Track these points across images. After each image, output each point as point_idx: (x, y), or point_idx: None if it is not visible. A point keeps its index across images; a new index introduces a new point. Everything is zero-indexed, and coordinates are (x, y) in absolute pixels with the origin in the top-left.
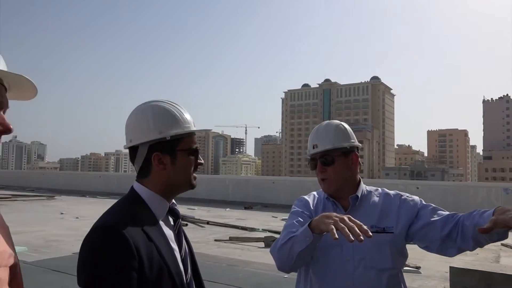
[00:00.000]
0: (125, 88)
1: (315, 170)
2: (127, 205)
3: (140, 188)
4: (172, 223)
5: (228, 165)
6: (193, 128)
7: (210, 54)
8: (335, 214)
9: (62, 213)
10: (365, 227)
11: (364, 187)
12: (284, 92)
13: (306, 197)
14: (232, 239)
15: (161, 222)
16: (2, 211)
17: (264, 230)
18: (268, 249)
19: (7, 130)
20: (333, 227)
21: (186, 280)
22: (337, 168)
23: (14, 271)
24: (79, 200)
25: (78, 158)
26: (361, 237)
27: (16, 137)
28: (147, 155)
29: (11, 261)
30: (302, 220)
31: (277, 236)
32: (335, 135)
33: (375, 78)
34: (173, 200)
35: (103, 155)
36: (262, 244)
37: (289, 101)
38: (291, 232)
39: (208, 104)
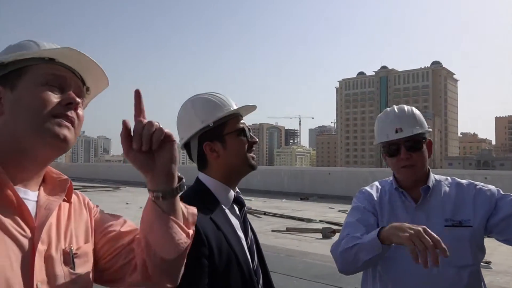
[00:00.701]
0: (184, 84)
1: (392, 157)
2: (194, 195)
3: (205, 178)
4: (237, 211)
5: (283, 157)
6: (234, 107)
7: (264, 46)
8: (407, 225)
9: (127, 203)
10: (442, 244)
11: (433, 176)
12: (338, 81)
13: (368, 188)
14: (289, 230)
15: (227, 211)
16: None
17: (321, 221)
18: (326, 240)
19: (73, 101)
20: (412, 245)
21: (253, 267)
22: (423, 154)
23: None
24: (142, 191)
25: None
26: (438, 263)
27: (84, 132)
28: (199, 146)
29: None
30: (365, 218)
31: (334, 227)
32: (419, 119)
33: (436, 63)
34: (238, 189)
35: None
36: (319, 235)
37: (344, 90)
38: (355, 238)
39: (262, 95)
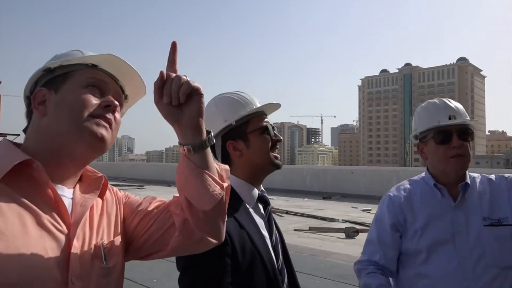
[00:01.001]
0: (206, 83)
1: (442, 144)
2: None
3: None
4: (262, 210)
5: (304, 155)
6: (258, 105)
7: (286, 44)
8: None
9: None
10: None
11: (468, 173)
12: (361, 79)
13: (395, 192)
14: (311, 229)
15: (251, 210)
16: None
17: (344, 221)
18: (349, 240)
19: (111, 103)
20: None
21: (278, 267)
22: (470, 146)
23: None
24: (165, 190)
25: (163, 150)
26: None
27: None
28: (222, 145)
29: None
30: (383, 238)
31: (358, 227)
32: (466, 112)
33: (462, 60)
34: (262, 188)
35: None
36: (342, 235)
37: (367, 88)
38: (366, 271)
39: (283, 94)
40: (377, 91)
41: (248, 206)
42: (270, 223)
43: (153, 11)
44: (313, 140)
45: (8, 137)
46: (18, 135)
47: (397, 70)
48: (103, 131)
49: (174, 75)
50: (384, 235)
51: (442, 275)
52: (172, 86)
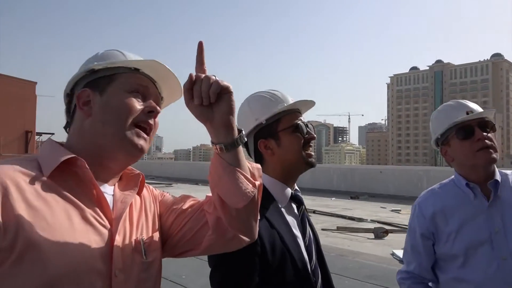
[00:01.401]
0: (238, 83)
1: (466, 139)
2: None
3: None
4: (295, 210)
5: (331, 155)
6: (289, 103)
7: (313, 42)
8: None
9: None
10: None
11: (497, 170)
12: (390, 76)
13: (424, 198)
14: (339, 229)
15: (283, 209)
16: None
17: (373, 221)
18: (378, 241)
19: (154, 109)
20: None
21: (311, 267)
22: (495, 137)
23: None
24: (193, 188)
25: (190, 149)
26: None
27: None
28: (255, 145)
29: None
30: (416, 247)
31: (387, 227)
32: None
33: (496, 55)
34: (296, 187)
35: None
36: (371, 235)
37: (396, 86)
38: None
39: (310, 92)
40: (407, 89)
41: (280, 205)
42: (303, 223)
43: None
44: (340, 139)
45: (44, 136)
46: (53, 133)
47: (427, 67)
48: (142, 142)
49: (203, 75)
50: (416, 245)
51: (482, 279)
52: (202, 87)
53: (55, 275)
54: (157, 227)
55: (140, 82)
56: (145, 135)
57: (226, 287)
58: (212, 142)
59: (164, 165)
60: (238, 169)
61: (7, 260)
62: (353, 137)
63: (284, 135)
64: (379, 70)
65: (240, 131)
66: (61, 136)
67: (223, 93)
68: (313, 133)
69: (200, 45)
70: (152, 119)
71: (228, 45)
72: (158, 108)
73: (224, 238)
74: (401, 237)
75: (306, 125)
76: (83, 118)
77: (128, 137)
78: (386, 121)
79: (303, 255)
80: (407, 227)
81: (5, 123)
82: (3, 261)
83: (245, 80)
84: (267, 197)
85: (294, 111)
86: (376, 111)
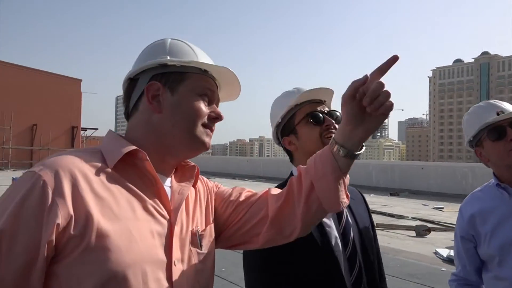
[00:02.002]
0: (264, 80)
1: (498, 140)
2: (283, 184)
3: (294, 169)
4: None
5: (369, 150)
6: (305, 99)
7: (349, 33)
8: None
9: None
10: None
11: None
12: (431, 70)
13: (466, 202)
14: (379, 226)
15: None
16: None
17: (414, 218)
18: (420, 239)
19: (219, 117)
20: None
21: (346, 253)
22: None
23: None
24: (230, 182)
25: (227, 144)
26: None
27: None
28: (282, 141)
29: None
30: (462, 251)
31: (429, 225)
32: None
33: None
34: None
35: (248, 141)
36: (412, 233)
37: (438, 80)
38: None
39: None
40: (450, 83)
41: None
42: (340, 211)
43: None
44: (378, 134)
45: (88, 131)
46: (96, 129)
47: (472, 60)
48: (208, 140)
49: (379, 81)
50: (458, 248)
51: None
52: (380, 96)
53: (122, 263)
54: (211, 219)
55: (209, 87)
56: (211, 134)
57: (251, 264)
58: (336, 142)
59: (202, 159)
60: (344, 178)
61: (78, 247)
62: (392, 133)
63: (300, 128)
64: (420, 63)
65: (362, 147)
66: (104, 131)
67: (380, 112)
68: (332, 120)
69: (395, 59)
70: (215, 125)
71: (260, 39)
72: (222, 116)
73: (282, 234)
74: (444, 236)
75: (324, 113)
76: (151, 113)
77: (199, 136)
78: (428, 116)
79: (327, 239)
80: (450, 225)
81: (53, 119)
82: (74, 248)
83: (279, 74)
84: None
85: (314, 102)
86: (417, 105)
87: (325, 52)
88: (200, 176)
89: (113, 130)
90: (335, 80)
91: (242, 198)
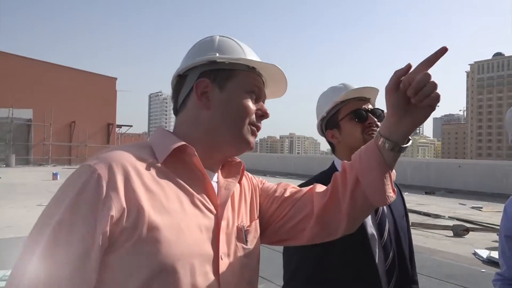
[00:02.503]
0: (298, 78)
1: None
2: (323, 174)
3: (336, 160)
4: None
5: None
6: (350, 96)
7: (383, 28)
8: None
9: None
10: None
11: None
12: (469, 64)
13: (509, 201)
14: (414, 225)
15: None
16: None
17: (451, 218)
18: (458, 239)
19: (265, 114)
20: None
21: (382, 242)
22: None
23: None
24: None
25: (257, 140)
26: None
27: None
28: (325, 133)
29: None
30: (507, 254)
31: (468, 225)
32: None
33: None
34: None
35: (278, 138)
36: (449, 233)
37: (477, 74)
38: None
39: (379, 81)
40: (489, 77)
41: None
42: None
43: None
44: None
45: (123, 128)
46: (131, 126)
47: None
48: (253, 140)
49: (425, 72)
50: (503, 247)
51: None
52: (426, 87)
53: (172, 256)
54: (256, 215)
55: (257, 84)
56: (256, 134)
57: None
58: (382, 135)
59: None
60: (390, 172)
61: (130, 239)
62: (427, 129)
63: (344, 123)
64: (457, 57)
65: (409, 140)
66: (138, 128)
67: (428, 104)
68: (374, 117)
69: (444, 50)
70: (261, 123)
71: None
72: (268, 113)
73: (327, 230)
74: (484, 236)
75: (368, 111)
76: (199, 109)
77: (245, 135)
78: (465, 112)
79: (362, 228)
80: (490, 225)
81: (90, 116)
82: (126, 240)
83: (313, 74)
84: None
85: (358, 99)
86: (454, 101)
87: (359, 46)
88: (246, 173)
89: (146, 127)
90: (369, 74)
91: (287, 194)
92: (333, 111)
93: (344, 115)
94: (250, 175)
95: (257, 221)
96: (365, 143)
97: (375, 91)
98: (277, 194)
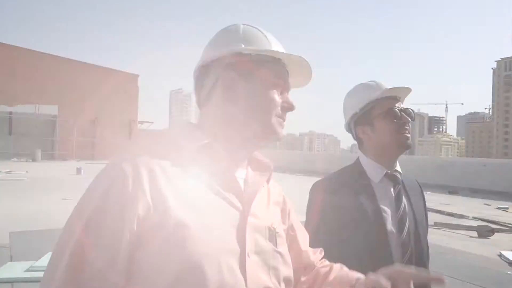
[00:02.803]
0: (318, 74)
1: None
2: (347, 168)
3: (361, 156)
4: (391, 188)
5: (426, 146)
6: (386, 94)
7: (407, 24)
8: None
9: None
10: None
11: None
12: (496, 61)
13: None
14: (437, 225)
15: (379, 185)
16: None
17: (475, 218)
18: (482, 240)
19: (291, 107)
20: None
21: (401, 238)
22: None
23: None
24: (280, 176)
25: None
26: None
27: None
28: (356, 131)
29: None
30: None
31: (493, 226)
32: None
33: None
34: (398, 168)
35: (298, 135)
36: (474, 233)
37: (503, 71)
38: None
39: (403, 80)
40: None
41: (373, 180)
42: (399, 197)
43: None
44: (435, 129)
45: (145, 124)
46: (152, 122)
47: None
48: (281, 131)
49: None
50: None
51: None
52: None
53: (199, 252)
54: (286, 224)
55: (283, 76)
56: (284, 124)
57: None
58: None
59: None
60: None
61: (158, 236)
62: (451, 128)
63: (377, 121)
64: (483, 53)
65: None
66: (159, 125)
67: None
68: (408, 117)
69: (440, 281)
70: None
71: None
72: (294, 106)
73: None
74: (510, 237)
75: (401, 110)
76: (226, 103)
77: (273, 126)
78: (491, 110)
79: (382, 222)
80: None
81: (112, 112)
82: (154, 237)
83: (332, 72)
84: (360, 173)
85: (390, 98)
86: (479, 99)
87: (384, 45)
88: (276, 184)
89: (167, 124)
90: (394, 73)
91: (299, 238)
92: (365, 108)
93: (379, 113)
94: (281, 189)
95: (286, 230)
96: (396, 142)
97: (408, 90)
98: (292, 232)
